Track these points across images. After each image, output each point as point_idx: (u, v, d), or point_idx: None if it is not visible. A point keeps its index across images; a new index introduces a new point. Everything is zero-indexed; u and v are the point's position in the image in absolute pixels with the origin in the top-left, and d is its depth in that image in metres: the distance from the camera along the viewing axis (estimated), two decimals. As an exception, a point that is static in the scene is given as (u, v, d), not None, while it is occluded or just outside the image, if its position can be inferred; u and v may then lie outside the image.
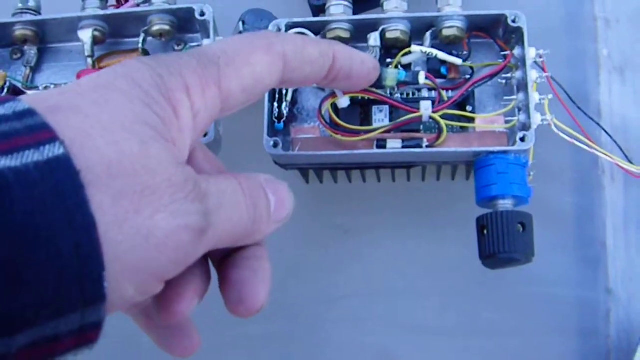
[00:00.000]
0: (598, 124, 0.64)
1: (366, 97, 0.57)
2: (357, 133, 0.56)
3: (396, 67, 0.58)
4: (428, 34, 0.59)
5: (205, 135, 0.56)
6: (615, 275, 0.64)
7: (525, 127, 0.55)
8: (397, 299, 0.65)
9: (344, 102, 0.56)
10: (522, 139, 0.54)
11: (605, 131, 0.64)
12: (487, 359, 0.64)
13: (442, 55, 0.58)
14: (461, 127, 0.58)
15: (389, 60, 0.59)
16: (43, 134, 0.31)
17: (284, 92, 0.59)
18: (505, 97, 0.58)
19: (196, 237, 0.35)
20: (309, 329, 0.66)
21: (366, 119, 0.59)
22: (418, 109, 0.56)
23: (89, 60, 0.60)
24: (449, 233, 0.65)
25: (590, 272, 0.64)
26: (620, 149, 0.64)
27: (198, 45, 0.60)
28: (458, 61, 0.58)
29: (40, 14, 0.62)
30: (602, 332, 0.63)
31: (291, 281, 0.66)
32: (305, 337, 0.65)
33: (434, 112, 0.56)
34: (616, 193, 0.66)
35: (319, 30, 0.59)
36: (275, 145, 0.57)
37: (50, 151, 0.30)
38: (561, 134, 0.58)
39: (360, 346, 0.65)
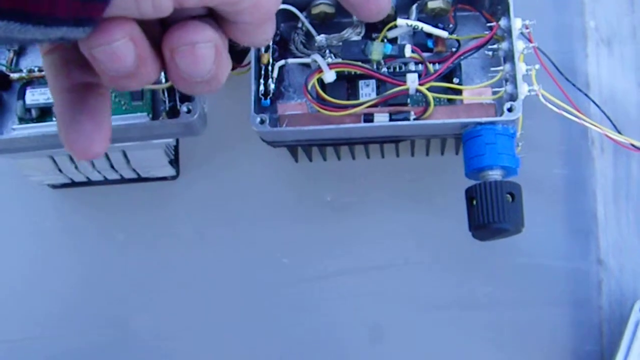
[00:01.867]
0: (586, 95, 0.64)
1: (352, 71, 0.57)
2: (344, 107, 0.56)
3: (382, 41, 0.58)
4: (414, 7, 0.58)
5: (189, 112, 0.55)
6: (606, 246, 0.64)
7: (513, 97, 0.55)
8: (389, 274, 0.65)
9: (329, 76, 0.56)
10: (510, 110, 0.54)
11: (594, 102, 0.64)
12: (479, 331, 0.63)
13: (427, 28, 0.58)
14: (448, 100, 0.57)
15: (374, 34, 0.59)
16: None
17: (270, 68, 0.58)
18: (492, 69, 0.57)
19: None
20: (301, 306, 0.66)
21: (353, 94, 0.59)
22: (405, 82, 0.56)
23: (73, 42, 0.59)
24: (440, 208, 0.65)
25: (581, 243, 0.64)
26: (609, 120, 0.64)
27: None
28: (444, 34, 0.58)
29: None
30: (594, 303, 0.63)
31: (282, 259, 0.66)
32: (297, 314, 0.65)
33: (420, 84, 0.55)
34: (606, 164, 0.65)
35: (304, 6, 0.59)
36: (262, 121, 0.56)
37: None
38: (549, 105, 0.57)
39: (353, 322, 0.65)
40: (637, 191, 0.65)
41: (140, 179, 0.68)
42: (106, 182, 0.68)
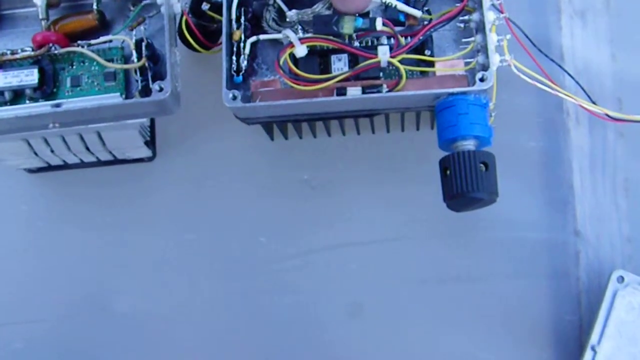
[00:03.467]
0: (560, 66, 0.64)
1: (325, 46, 0.57)
2: (316, 82, 0.56)
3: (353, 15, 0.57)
4: (385, -19, 0.58)
5: (161, 90, 0.55)
6: (583, 217, 0.64)
7: (484, 67, 0.55)
8: (367, 250, 0.65)
9: (301, 51, 0.56)
10: (482, 79, 0.54)
11: (568, 73, 0.64)
12: (459, 304, 0.64)
13: (401, 6, 0.58)
14: (421, 72, 0.57)
15: (346, 9, 0.59)
16: None
17: (242, 45, 0.58)
18: (464, 40, 0.57)
19: None
20: (280, 284, 0.66)
21: (326, 69, 0.58)
22: (376, 55, 0.55)
23: (44, 23, 0.59)
24: (417, 182, 0.65)
25: (558, 214, 0.64)
26: (584, 91, 0.64)
27: (153, 5, 0.59)
28: (417, 13, 0.58)
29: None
30: (572, 274, 0.64)
31: (261, 238, 0.66)
32: (276, 292, 0.65)
33: (391, 56, 0.55)
34: (581, 135, 0.66)
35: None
36: (234, 97, 0.56)
37: None
38: (522, 76, 0.57)
39: (332, 299, 0.65)
40: (613, 161, 0.65)
41: (116, 161, 0.68)
42: (83, 165, 0.68)
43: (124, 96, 0.58)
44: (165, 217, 0.68)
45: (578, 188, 0.65)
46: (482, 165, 0.53)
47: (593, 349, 0.59)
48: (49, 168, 0.69)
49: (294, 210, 0.66)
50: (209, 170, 0.68)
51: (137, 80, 0.57)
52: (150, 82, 0.57)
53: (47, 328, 0.67)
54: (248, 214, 0.67)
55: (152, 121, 0.68)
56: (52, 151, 0.64)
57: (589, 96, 0.64)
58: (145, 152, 0.67)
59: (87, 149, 0.64)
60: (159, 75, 0.57)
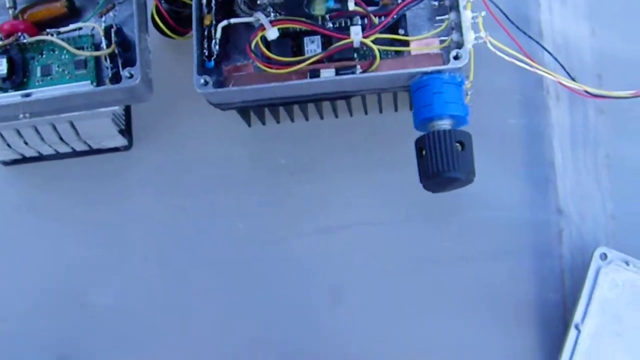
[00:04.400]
0: (538, 43, 0.63)
1: (297, 27, 0.56)
2: (289, 65, 0.55)
3: (326, -4, 0.57)
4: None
5: (131, 76, 0.54)
6: (565, 195, 0.64)
7: (459, 45, 0.54)
8: (348, 234, 0.65)
9: (272, 33, 0.55)
10: (456, 57, 0.53)
11: (546, 49, 0.63)
12: (441, 286, 0.63)
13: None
14: (396, 52, 0.56)
15: (318, -11, 0.58)
16: None
17: (213, 30, 0.57)
18: (438, 18, 0.56)
19: None
20: (259, 271, 0.65)
21: (299, 51, 0.57)
22: (349, 36, 0.55)
23: (11, 12, 0.59)
24: (397, 165, 0.64)
25: (540, 193, 0.64)
26: (563, 68, 0.63)
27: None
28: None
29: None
30: (555, 253, 0.63)
31: (239, 225, 0.65)
32: (255, 279, 0.65)
33: (364, 37, 0.55)
34: (562, 112, 0.65)
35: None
36: (205, 83, 0.55)
37: None
38: (499, 53, 0.57)
39: (313, 284, 0.64)
40: (594, 138, 0.64)
41: (92, 151, 0.67)
42: (58, 156, 0.67)
43: (95, 84, 0.57)
44: (143, 206, 0.67)
45: (559, 166, 0.64)
46: (458, 144, 0.52)
47: (577, 327, 0.58)
48: (24, 160, 0.68)
49: (273, 195, 0.66)
50: (186, 158, 0.67)
51: (107, 68, 0.56)
52: (120, 69, 0.56)
53: (23, 323, 0.66)
54: (226, 201, 0.66)
55: (128, 110, 0.67)
56: (25, 143, 0.63)
57: (568, 73, 0.63)
58: (121, 141, 0.66)
59: (61, 139, 0.63)
60: (130, 62, 0.56)
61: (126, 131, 0.67)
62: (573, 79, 0.62)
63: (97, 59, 0.58)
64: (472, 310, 0.62)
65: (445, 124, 0.53)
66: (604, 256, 0.59)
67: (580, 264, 0.61)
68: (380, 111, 0.64)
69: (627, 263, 0.59)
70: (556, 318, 0.62)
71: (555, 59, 0.63)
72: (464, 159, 0.52)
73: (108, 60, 0.57)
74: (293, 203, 0.65)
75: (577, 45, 0.66)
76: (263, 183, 0.66)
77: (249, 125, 0.65)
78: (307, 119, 0.65)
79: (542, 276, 0.62)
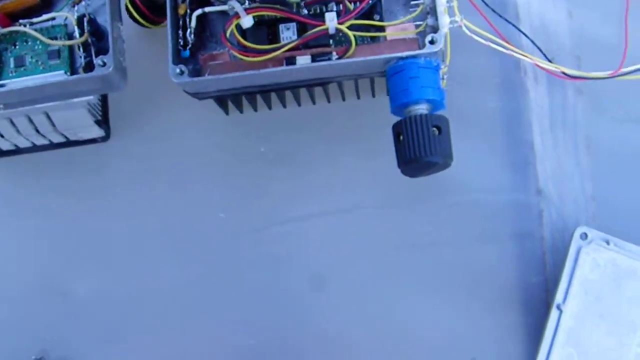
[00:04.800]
0: (514, 25, 0.63)
1: (272, 15, 0.56)
2: (264, 52, 0.55)
3: (300, -18, 0.56)
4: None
5: (104, 65, 0.54)
6: (545, 176, 0.64)
7: (435, 29, 0.54)
8: (329, 221, 0.65)
9: (247, 21, 0.55)
10: (431, 42, 0.53)
11: (522, 31, 0.63)
12: (424, 271, 0.63)
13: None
14: (371, 38, 0.56)
15: (293, -25, 0.57)
16: None
17: (188, 19, 0.57)
18: (413, 2, 0.56)
19: None
20: (241, 260, 0.65)
21: (274, 39, 0.57)
22: (324, 22, 0.54)
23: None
24: (376, 151, 0.63)
25: (520, 175, 0.64)
26: (540, 50, 0.63)
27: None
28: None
29: None
30: (536, 234, 0.63)
31: (220, 214, 0.65)
32: (236, 267, 0.64)
33: (339, 23, 0.54)
34: (540, 95, 0.65)
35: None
36: (181, 72, 0.55)
37: None
38: (474, 36, 0.56)
39: (295, 272, 0.64)
40: (574, 120, 0.64)
41: (69, 143, 0.66)
42: (35, 148, 0.66)
43: (69, 74, 0.57)
44: (122, 197, 0.67)
45: (539, 147, 0.64)
46: (435, 128, 0.52)
47: (558, 308, 0.58)
48: (1, 153, 0.67)
49: (252, 184, 0.65)
50: (164, 148, 0.67)
51: (80, 57, 0.56)
52: (93, 57, 0.55)
53: (3, 316, 0.65)
54: (206, 190, 0.66)
55: (105, 100, 0.66)
56: (1, 135, 0.62)
57: (545, 55, 0.63)
58: (98, 132, 0.66)
59: (37, 131, 0.62)
60: (103, 51, 0.56)
61: (103, 122, 0.66)
62: (550, 61, 0.62)
63: (71, 49, 0.57)
64: (454, 294, 0.63)
65: (421, 108, 0.53)
66: (584, 236, 0.59)
67: (561, 245, 0.62)
68: (358, 97, 0.64)
69: (607, 242, 0.59)
70: (539, 299, 0.62)
71: (532, 42, 0.63)
72: (441, 143, 0.52)
73: (81, 50, 0.56)
74: (273, 191, 0.65)
75: (555, 28, 0.66)
76: (243, 171, 0.66)
77: (227, 114, 0.65)
78: (284, 107, 0.65)
79: (523, 258, 0.62)
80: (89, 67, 0.56)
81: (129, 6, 0.61)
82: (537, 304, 0.62)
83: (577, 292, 0.58)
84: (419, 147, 0.51)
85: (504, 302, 0.62)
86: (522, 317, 0.62)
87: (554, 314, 0.58)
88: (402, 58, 0.53)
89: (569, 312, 0.58)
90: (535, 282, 0.62)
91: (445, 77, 0.55)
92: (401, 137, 0.52)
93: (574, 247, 0.59)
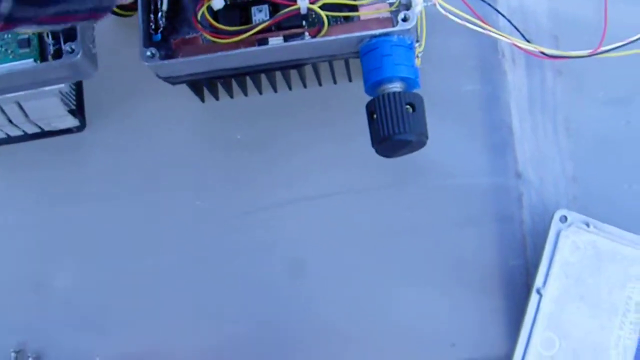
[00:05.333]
0: (491, 5, 0.62)
1: (243, -5, 0.55)
2: (237, 34, 0.54)
3: (268, -38, 0.56)
4: None
5: (72, 51, 0.53)
6: (524, 159, 0.63)
7: (407, 7, 0.53)
8: (307, 207, 0.64)
9: (217, 3, 0.54)
10: (404, 19, 0.53)
11: (498, 11, 0.63)
12: (404, 256, 0.62)
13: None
14: (344, 18, 0.55)
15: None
16: None
17: (159, 2, 0.56)
18: (387, -19, 0.55)
19: None
20: (219, 248, 0.64)
21: (247, 22, 0.56)
22: (296, 2, 0.54)
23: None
24: (353, 135, 0.62)
25: (499, 158, 0.63)
26: (517, 30, 0.63)
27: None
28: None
29: None
30: (516, 218, 0.62)
31: (197, 201, 0.64)
32: (216, 254, 0.64)
33: (311, 2, 0.53)
34: (518, 76, 0.64)
35: None
36: (152, 55, 0.54)
37: None
38: (450, 16, 0.56)
39: (274, 259, 0.63)
40: (553, 101, 0.64)
41: (44, 134, 0.66)
42: (10, 140, 0.66)
43: (39, 62, 0.56)
44: (98, 187, 0.66)
45: (517, 130, 0.63)
46: (408, 106, 0.52)
47: (538, 291, 0.58)
48: (-25, 145, 0.66)
49: (230, 171, 0.65)
50: (140, 137, 0.66)
51: (49, 45, 0.55)
52: (62, 44, 0.55)
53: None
54: (183, 178, 0.65)
55: (80, 89, 0.66)
56: (-26, 127, 0.62)
57: (523, 35, 0.62)
58: (73, 122, 0.65)
59: (10, 121, 0.62)
60: (72, 38, 0.55)
61: (78, 112, 0.65)
62: (528, 41, 0.62)
63: (40, 37, 0.57)
64: (434, 278, 0.62)
65: (395, 87, 0.52)
66: (564, 219, 0.58)
67: (541, 228, 0.61)
68: (335, 82, 0.63)
69: (587, 225, 0.58)
70: (519, 283, 0.61)
71: (509, 22, 0.62)
72: (415, 120, 0.51)
73: (50, 37, 0.55)
74: (251, 178, 0.65)
75: (532, 8, 0.65)
76: (220, 159, 0.65)
77: (202, 101, 0.64)
78: (260, 93, 0.64)
79: (504, 241, 0.62)
80: (58, 54, 0.55)
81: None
82: (518, 287, 0.61)
83: (557, 275, 0.58)
84: (393, 125, 0.51)
85: (484, 286, 0.61)
86: (503, 301, 0.61)
87: (534, 297, 0.57)
88: (375, 36, 0.53)
89: (549, 295, 0.57)
90: (516, 266, 0.61)
91: (420, 55, 0.54)
92: (374, 116, 0.52)
93: (553, 230, 0.58)
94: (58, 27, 0.47)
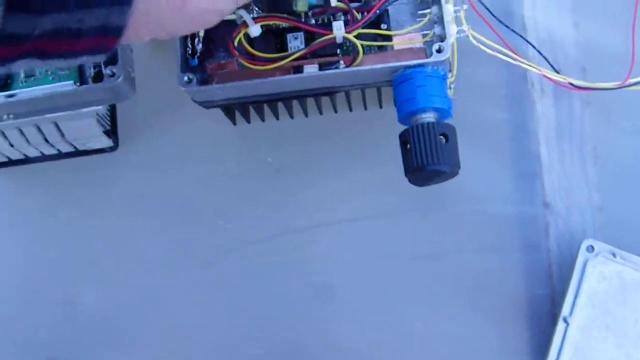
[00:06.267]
0: (521, 36, 0.63)
1: (280, 25, 0.56)
2: (272, 61, 0.55)
3: (308, -8, 0.57)
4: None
5: (113, 75, 0.54)
6: (552, 188, 0.63)
7: (442, 39, 0.54)
8: (335, 231, 0.64)
9: (255, 30, 0.55)
10: (439, 51, 0.53)
11: (529, 42, 0.63)
12: (430, 282, 0.63)
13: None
14: (379, 48, 0.56)
15: (300, -14, 0.58)
16: None
17: (196, 28, 0.57)
18: (420, 12, 0.56)
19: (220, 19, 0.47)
20: (248, 271, 0.65)
21: (282, 49, 0.57)
22: (332, 32, 0.55)
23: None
24: (381, 161, 0.64)
25: (527, 187, 0.64)
26: (547, 61, 0.63)
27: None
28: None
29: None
30: (543, 247, 0.63)
31: (227, 225, 0.65)
32: (243, 278, 0.65)
33: (347, 32, 0.54)
34: (547, 106, 0.65)
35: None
36: (189, 81, 0.55)
37: None
38: (481, 47, 0.57)
39: (302, 283, 0.64)
40: (580, 131, 0.64)
41: (78, 153, 0.67)
42: (44, 158, 0.67)
43: (78, 84, 0.57)
44: (130, 207, 0.67)
45: (546, 159, 0.64)
46: (442, 137, 0.52)
47: (565, 320, 0.58)
48: (10, 163, 0.67)
49: (260, 194, 0.66)
50: (172, 158, 0.67)
51: (90, 68, 0.56)
52: (103, 68, 0.56)
53: (10, 325, 0.66)
54: (213, 200, 0.66)
55: (113, 111, 0.67)
56: (11, 145, 0.63)
57: (552, 66, 0.63)
58: (107, 142, 0.66)
59: (47, 141, 0.63)
60: (112, 61, 0.56)
61: (112, 132, 0.67)
62: (557, 72, 0.62)
63: (80, 60, 0.57)
64: (460, 305, 0.62)
65: (429, 117, 0.53)
66: (591, 249, 0.59)
67: (568, 258, 0.61)
68: (365, 108, 0.64)
69: (614, 255, 0.59)
70: (545, 312, 0.61)
71: (540, 53, 0.63)
72: (449, 151, 0.52)
73: (90, 61, 0.56)
74: (280, 201, 0.65)
75: (561, 39, 0.66)
76: (250, 182, 0.66)
77: (235, 124, 0.65)
78: (292, 117, 0.65)
79: (530, 270, 0.62)
80: (99, 77, 0.56)
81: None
82: (543, 316, 0.61)
83: (584, 305, 0.58)
84: (427, 156, 0.51)
85: (510, 314, 0.62)
86: (528, 330, 0.61)
87: (560, 326, 0.58)
88: (409, 67, 0.53)
89: (575, 325, 0.58)
90: (542, 295, 0.62)
91: (452, 86, 0.55)
92: (408, 146, 0.52)
93: (581, 260, 0.59)
94: (63, 62, 0.39)
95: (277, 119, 0.65)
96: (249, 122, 0.65)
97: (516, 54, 0.59)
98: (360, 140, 0.65)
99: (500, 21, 0.61)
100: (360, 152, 0.65)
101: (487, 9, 0.60)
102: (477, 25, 0.56)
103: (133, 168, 0.67)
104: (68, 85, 0.56)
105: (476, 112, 0.64)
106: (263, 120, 0.65)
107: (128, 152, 0.68)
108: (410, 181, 0.54)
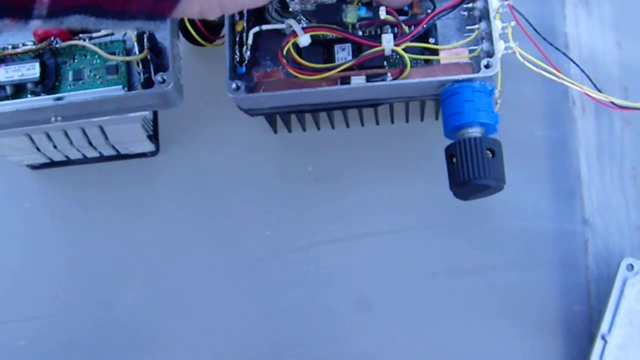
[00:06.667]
0: (564, 54, 0.63)
1: (328, 35, 0.57)
2: (320, 71, 0.56)
3: (356, 4, 0.57)
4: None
5: (163, 82, 0.55)
6: (591, 206, 0.64)
7: (489, 54, 0.55)
8: (373, 242, 0.65)
9: (304, 40, 0.56)
10: (487, 66, 0.54)
11: (572, 60, 0.63)
12: (468, 297, 0.63)
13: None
14: (425, 61, 0.57)
15: (349, -2, 0.58)
16: None
17: (244, 35, 0.57)
18: (468, 28, 0.57)
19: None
20: (286, 279, 0.65)
21: (329, 59, 0.58)
22: (380, 43, 0.55)
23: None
24: (422, 174, 0.64)
25: (566, 203, 0.64)
26: (589, 79, 0.64)
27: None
28: (416, -2, 0.57)
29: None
30: (581, 264, 0.63)
31: (265, 232, 0.66)
32: (282, 286, 0.65)
33: (395, 45, 0.55)
34: (588, 124, 0.65)
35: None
36: (237, 88, 0.56)
37: None
38: (527, 64, 0.57)
39: (339, 292, 0.64)
40: (620, 149, 0.64)
41: (119, 156, 0.67)
42: (86, 160, 0.68)
43: (126, 89, 0.58)
44: (169, 212, 0.67)
45: (585, 177, 0.64)
46: (488, 152, 0.53)
47: (603, 338, 0.58)
48: (52, 164, 0.68)
49: (299, 203, 0.66)
50: (212, 164, 0.68)
51: (139, 73, 0.57)
52: (152, 74, 0.56)
53: (51, 325, 0.66)
54: (253, 208, 0.66)
55: (155, 115, 0.67)
56: (54, 147, 0.64)
57: (594, 84, 0.63)
58: (149, 147, 0.67)
59: (90, 143, 0.63)
60: (161, 68, 0.57)
61: (154, 137, 0.67)
62: (599, 90, 0.63)
63: (129, 65, 0.58)
64: (497, 320, 0.63)
65: (475, 131, 0.53)
66: (630, 267, 0.59)
67: (605, 275, 0.61)
68: (407, 120, 0.65)
69: (653, 273, 0.59)
70: (582, 329, 0.61)
71: (582, 70, 0.63)
72: (495, 166, 0.52)
73: (140, 66, 0.57)
74: (319, 210, 0.66)
75: (603, 57, 0.66)
76: (289, 190, 0.66)
77: (275, 132, 0.65)
78: (333, 127, 0.66)
79: (567, 287, 0.62)
80: (148, 83, 0.56)
81: (187, 24, 0.62)
82: (580, 333, 0.62)
83: (622, 323, 0.58)
84: (472, 170, 0.52)
85: (547, 330, 0.62)
86: (565, 346, 0.61)
87: (598, 344, 0.58)
88: (457, 81, 0.54)
89: (613, 342, 0.58)
90: (579, 311, 0.62)
91: (498, 101, 0.55)
92: (454, 159, 0.53)
93: (620, 278, 0.59)
94: (118, 23, 0.38)
95: (318, 128, 0.65)
96: (289, 130, 0.65)
97: (559, 72, 0.59)
98: (400, 153, 0.65)
99: (544, 38, 0.61)
100: (400, 164, 0.65)
101: (532, 25, 0.60)
102: (519, 41, 0.56)
103: (173, 173, 0.68)
104: (117, 90, 0.57)
105: (516, 128, 0.64)
106: (304, 129, 0.65)
107: (168, 157, 0.68)
108: (455, 194, 0.54)
